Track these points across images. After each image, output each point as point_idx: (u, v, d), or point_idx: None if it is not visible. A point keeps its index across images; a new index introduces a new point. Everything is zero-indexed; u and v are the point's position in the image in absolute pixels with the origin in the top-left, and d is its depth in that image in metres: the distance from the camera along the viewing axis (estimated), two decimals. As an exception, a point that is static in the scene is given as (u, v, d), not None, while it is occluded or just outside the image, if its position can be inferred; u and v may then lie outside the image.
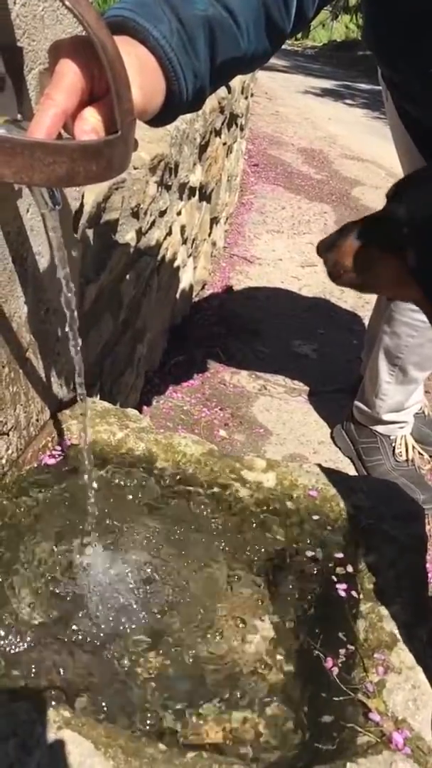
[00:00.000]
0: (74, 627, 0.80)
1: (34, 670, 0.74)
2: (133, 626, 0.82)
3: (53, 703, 0.63)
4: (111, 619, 0.83)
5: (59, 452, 0.99)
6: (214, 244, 2.94)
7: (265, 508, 0.96)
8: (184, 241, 2.18)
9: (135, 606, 0.85)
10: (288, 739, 0.71)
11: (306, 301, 2.89)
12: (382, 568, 0.85)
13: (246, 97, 3.44)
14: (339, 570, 0.87)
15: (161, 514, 0.97)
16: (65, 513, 0.93)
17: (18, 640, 0.77)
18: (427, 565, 0.88)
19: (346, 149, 5.58)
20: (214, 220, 2.80)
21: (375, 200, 4.15)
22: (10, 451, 0.89)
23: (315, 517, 0.94)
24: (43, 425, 0.98)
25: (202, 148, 2.20)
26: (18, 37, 0.70)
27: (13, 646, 0.76)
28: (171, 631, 0.82)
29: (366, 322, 2.50)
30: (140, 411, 1.19)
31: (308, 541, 0.93)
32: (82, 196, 1.05)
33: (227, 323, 2.58)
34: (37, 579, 0.85)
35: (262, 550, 0.93)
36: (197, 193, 2.28)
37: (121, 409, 1.09)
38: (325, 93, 8.39)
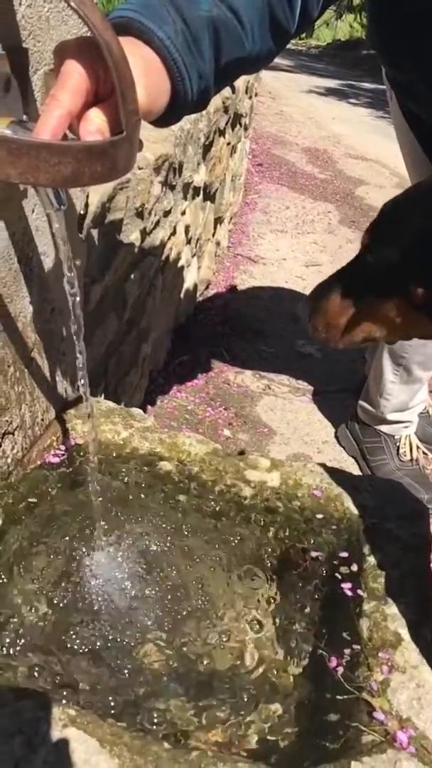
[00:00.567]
0: (79, 625, 0.81)
1: (39, 668, 0.75)
2: (138, 625, 0.82)
3: (58, 701, 0.63)
4: (116, 618, 0.83)
5: (64, 452, 0.99)
6: (218, 243, 2.94)
7: (269, 507, 0.96)
8: (189, 241, 2.18)
9: (140, 605, 0.85)
10: (292, 738, 0.72)
11: (310, 300, 2.88)
12: (386, 567, 0.85)
13: (250, 97, 3.44)
14: (343, 569, 0.87)
15: (165, 514, 0.97)
16: (70, 512, 0.93)
17: (23, 638, 0.77)
18: (432, 565, 0.88)
19: (350, 149, 5.58)
20: (218, 220, 2.80)
21: (379, 199, 4.14)
22: (15, 451, 0.89)
23: (319, 517, 0.94)
24: (48, 425, 0.99)
25: (206, 148, 2.20)
26: (23, 38, 0.70)
27: (19, 645, 0.77)
28: (176, 629, 0.83)
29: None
30: (144, 410, 1.20)
31: (312, 541, 0.93)
32: (87, 197, 1.05)
33: (231, 323, 2.58)
34: (42, 578, 0.85)
35: (267, 549, 0.93)
36: (201, 192, 2.28)
37: (125, 408, 1.10)
38: (329, 92, 8.39)
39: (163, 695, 0.75)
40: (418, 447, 1.98)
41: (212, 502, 0.98)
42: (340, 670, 0.74)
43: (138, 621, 0.83)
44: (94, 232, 1.16)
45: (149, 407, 1.97)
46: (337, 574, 0.87)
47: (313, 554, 0.91)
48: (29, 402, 0.90)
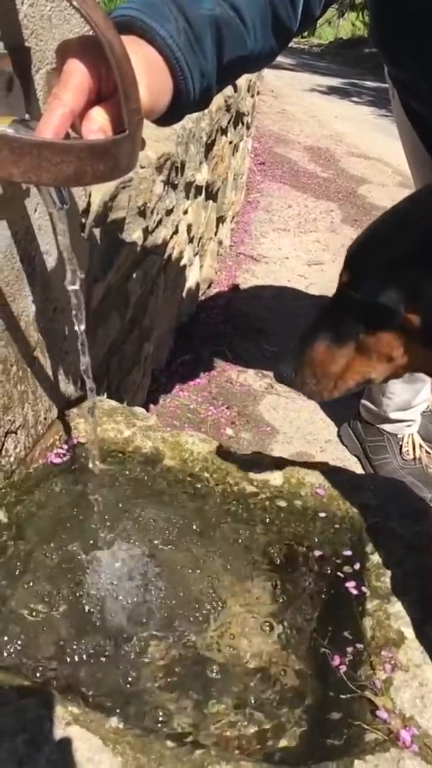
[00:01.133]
0: (82, 624, 0.81)
1: (41, 666, 0.75)
2: (141, 624, 0.82)
3: (61, 699, 0.64)
4: (118, 616, 0.83)
5: (66, 451, 0.99)
6: (220, 242, 2.94)
7: (272, 506, 0.96)
8: (191, 240, 2.18)
9: (142, 603, 0.85)
10: (295, 737, 0.71)
11: (313, 299, 2.89)
12: (389, 566, 0.85)
13: (252, 96, 3.44)
14: (346, 568, 0.87)
15: (168, 513, 0.97)
16: (72, 511, 0.94)
17: (26, 637, 0.77)
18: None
19: (352, 147, 5.57)
20: (220, 219, 2.80)
21: (382, 198, 4.14)
22: (18, 450, 0.89)
23: (322, 515, 0.94)
24: (50, 424, 0.99)
25: (209, 147, 2.20)
26: (26, 37, 0.70)
27: (21, 644, 0.77)
28: (178, 628, 0.83)
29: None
30: (147, 410, 1.20)
31: (315, 540, 0.93)
32: (89, 195, 1.05)
33: (234, 322, 2.58)
34: (45, 576, 0.85)
35: (270, 548, 0.93)
36: (203, 191, 2.28)
37: (128, 407, 1.10)
38: (332, 91, 8.38)
39: (165, 694, 0.75)
40: (420, 446, 1.98)
41: (215, 501, 0.98)
42: (343, 668, 0.74)
43: (141, 620, 0.83)
44: (97, 231, 1.16)
45: (152, 406, 1.97)
46: (340, 573, 0.87)
47: (316, 553, 0.91)
48: (32, 401, 0.91)
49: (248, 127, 3.49)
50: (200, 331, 2.47)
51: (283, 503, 0.96)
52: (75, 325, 0.77)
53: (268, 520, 0.96)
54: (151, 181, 1.44)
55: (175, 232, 1.89)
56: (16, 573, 0.84)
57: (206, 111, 1.98)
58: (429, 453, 2.02)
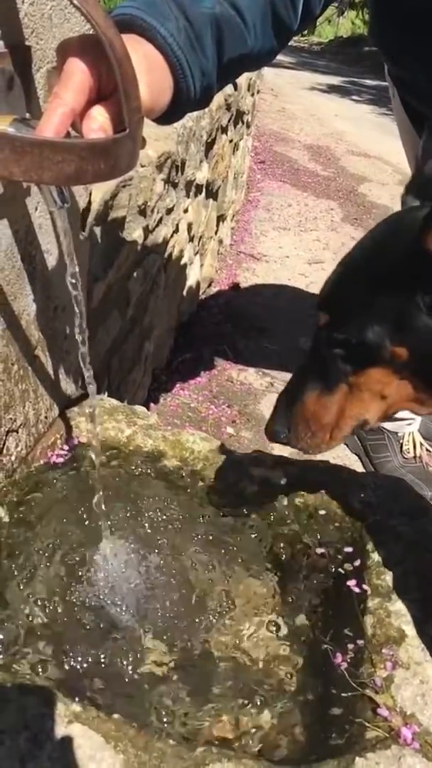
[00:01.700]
0: (84, 622, 0.81)
1: (43, 665, 0.75)
2: (143, 621, 0.83)
3: (63, 697, 0.64)
4: (120, 614, 0.83)
5: (68, 449, 0.99)
6: (220, 241, 2.94)
7: (273, 504, 0.96)
8: (191, 239, 2.18)
9: (144, 601, 0.85)
10: (297, 734, 0.72)
11: (313, 297, 2.88)
12: (390, 564, 0.85)
13: (252, 94, 3.44)
14: (347, 566, 0.87)
15: (169, 511, 0.97)
16: (74, 510, 0.94)
17: (27, 635, 0.78)
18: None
19: (352, 146, 5.57)
20: (220, 218, 2.80)
21: (382, 197, 4.14)
22: (19, 448, 0.89)
23: (323, 513, 0.94)
24: (51, 422, 0.99)
25: (209, 146, 2.20)
26: (26, 36, 0.70)
27: (23, 642, 0.77)
28: (180, 626, 0.83)
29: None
30: (147, 408, 1.20)
31: (317, 537, 0.93)
32: (90, 194, 1.05)
33: (234, 320, 2.58)
34: (47, 574, 0.85)
35: (271, 546, 0.94)
36: (204, 190, 2.28)
37: (129, 406, 1.10)
38: (332, 89, 8.37)
39: (167, 691, 0.75)
40: (421, 444, 1.98)
41: (216, 500, 0.98)
42: (344, 666, 0.74)
43: (142, 617, 0.83)
44: (97, 230, 1.16)
45: (152, 405, 1.97)
46: (340, 570, 0.87)
47: (317, 551, 0.91)
48: (33, 400, 0.91)
49: (248, 126, 3.49)
50: (201, 329, 2.47)
51: (284, 501, 0.96)
52: (75, 324, 0.77)
53: (269, 518, 0.96)
54: (151, 179, 1.44)
55: (176, 230, 1.89)
56: (18, 571, 0.84)
57: (206, 109, 1.98)
58: (429, 451, 2.02)
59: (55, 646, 0.77)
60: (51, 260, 0.89)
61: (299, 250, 3.37)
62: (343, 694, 0.71)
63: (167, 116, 0.74)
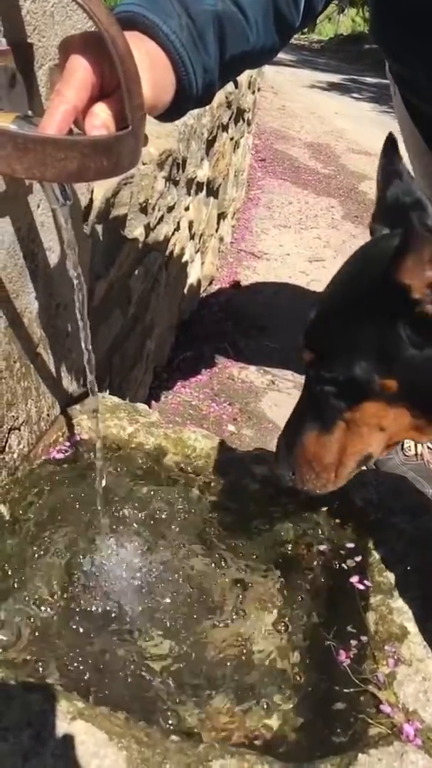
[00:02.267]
0: (86, 619, 0.81)
1: (45, 662, 0.75)
2: (145, 619, 0.83)
3: (66, 694, 0.64)
4: (123, 611, 0.83)
5: (70, 447, 1.00)
6: (221, 239, 2.93)
7: (275, 501, 0.96)
8: (192, 237, 2.18)
9: (146, 598, 0.85)
10: (299, 731, 0.72)
11: (314, 295, 2.88)
12: (391, 561, 0.86)
13: (253, 92, 3.44)
14: (349, 563, 0.87)
15: (171, 508, 0.97)
16: (76, 507, 0.94)
17: (30, 632, 0.78)
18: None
19: (353, 143, 5.56)
20: (221, 216, 2.80)
21: (382, 195, 4.12)
22: (21, 446, 0.89)
23: (324, 510, 0.94)
24: (53, 420, 0.99)
25: (210, 143, 2.20)
26: (28, 34, 0.70)
27: (26, 639, 0.77)
28: (183, 623, 0.83)
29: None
30: (149, 406, 1.20)
31: (319, 534, 0.93)
32: (92, 192, 1.05)
33: (235, 318, 2.57)
34: (49, 572, 0.85)
35: (273, 543, 0.94)
36: (205, 188, 2.27)
37: (130, 403, 1.10)
38: (332, 87, 8.35)
39: (170, 688, 0.75)
40: (422, 442, 1.98)
41: (218, 497, 0.98)
42: (347, 662, 0.75)
43: (145, 614, 0.83)
44: (99, 228, 1.16)
45: (153, 403, 1.97)
46: (343, 566, 0.87)
47: (320, 548, 0.91)
48: (35, 397, 0.91)
49: (249, 124, 3.49)
50: (201, 328, 2.47)
51: (286, 499, 0.96)
52: (78, 322, 0.77)
53: (270, 515, 0.96)
54: (152, 177, 1.44)
55: (177, 228, 1.89)
56: (20, 569, 0.84)
57: (207, 107, 1.98)
58: (430, 449, 2.01)
59: (57, 644, 0.77)
60: (53, 258, 0.89)
61: (300, 248, 3.37)
62: (345, 690, 0.72)
63: (169, 113, 0.74)
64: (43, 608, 0.81)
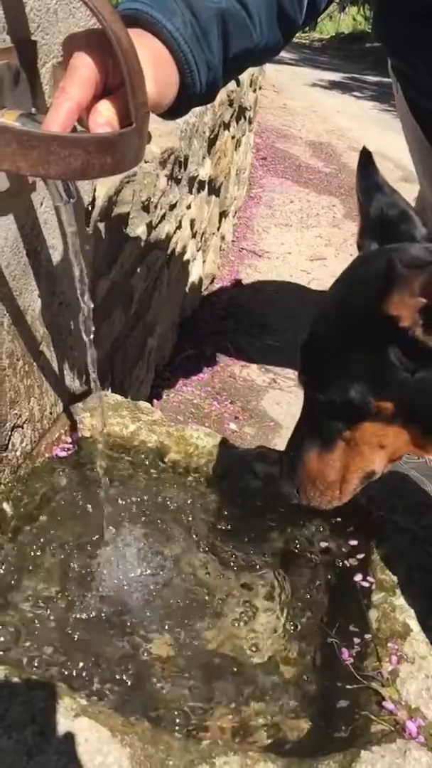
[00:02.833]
0: (89, 617, 0.81)
1: (49, 660, 0.75)
2: (148, 616, 0.83)
3: (70, 691, 0.64)
4: (125, 609, 0.83)
5: (72, 445, 1.00)
6: (222, 238, 2.93)
7: (277, 498, 0.96)
8: (194, 235, 2.18)
9: (148, 596, 0.86)
10: (302, 727, 0.72)
11: (315, 294, 2.88)
12: (394, 558, 0.86)
13: (254, 90, 3.43)
14: (351, 560, 0.88)
15: (173, 506, 0.97)
16: (78, 505, 0.94)
17: (33, 630, 0.78)
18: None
19: (354, 142, 5.55)
20: (222, 214, 2.80)
21: (384, 193, 4.12)
22: (24, 444, 0.89)
23: (327, 508, 0.94)
24: (56, 418, 0.99)
25: (211, 142, 2.20)
26: (32, 31, 0.70)
27: (29, 637, 0.77)
28: (185, 621, 0.83)
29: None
30: (150, 404, 1.20)
31: (321, 532, 0.93)
32: (94, 190, 1.05)
33: (236, 317, 2.58)
34: (51, 570, 0.85)
35: (275, 540, 0.94)
36: (206, 186, 2.27)
37: (133, 401, 1.10)
38: (333, 86, 8.34)
39: (173, 686, 0.75)
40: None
41: (220, 494, 0.98)
42: (350, 660, 0.75)
43: (147, 612, 0.84)
44: (101, 226, 1.16)
45: (155, 401, 1.97)
46: (345, 564, 0.88)
47: (322, 545, 0.91)
48: (38, 395, 0.91)
49: (250, 122, 3.49)
50: (203, 326, 2.47)
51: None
52: (81, 319, 0.77)
53: (273, 513, 0.96)
54: (154, 175, 1.44)
55: (179, 227, 1.89)
56: (23, 567, 0.84)
57: (209, 105, 1.98)
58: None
59: (60, 641, 0.77)
60: (56, 256, 0.89)
61: (301, 246, 3.37)
62: (348, 688, 0.72)
63: (173, 111, 0.74)
64: (45, 606, 0.81)
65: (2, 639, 0.75)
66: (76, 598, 0.83)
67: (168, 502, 0.98)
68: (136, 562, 0.90)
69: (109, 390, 1.18)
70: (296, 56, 10.33)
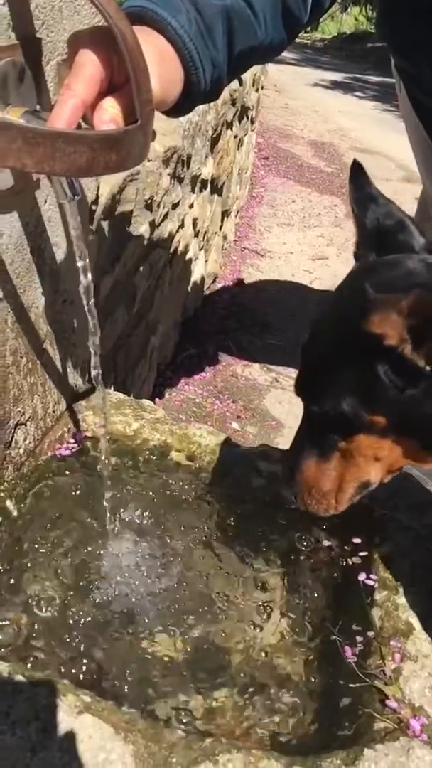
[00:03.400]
0: (92, 615, 0.81)
1: (52, 657, 0.75)
2: (150, 614, 0.83)
3: (73, 688, 0.64)
4: (128, 607, 0.83)
5: (75, 443, 1.00)
6: (225, 237, 2.93)
7: (279, 497, 0.96)
8: (196, 234, 2.18)
9: (151, 594, 0.86)
10: (306, 725, 0.72)
11: (317, 293, 2.88)
12: (396, 557, 0.86)
13: (257, 90, 3.44)
14: (354, 559, 0.88)
15: (176, 504, 0.97)
16: (81, 503, 0.94)
17: (36, 627, 0.78)
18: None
19: (356, 142, 5.56)
20: (225, 214, 2.80)
21: (385, 192, 4.09)
22: (27, 441, 0.89)
23: (330, 507, 0.94)
24: (59, 416, 0.99)
25: (214, 141, 2.20)
26: (37, 28, 0.70)
27: (33, 634, 0.77)
28: (188, 618, 0.83)
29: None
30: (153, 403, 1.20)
31: (324, 530, 0.93)
32: (98, 188, 1.05)
33: (238, 316, 2.58)
34: (55, 567, 0.85)
35: (278, 538, 0.94)
36: (209, 185, 2.27)
37: (135, 400, 1.10)
38: (335, 85, 8.34)
39: (177, 683, 0.75)
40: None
41: (223, 492, 0.98)
42: (353, 658, 0.75)
43: (150, 610, 0.84)
44: (105, 224, 1.16)
45: (157, 400, 1.97)
46: (348, 562, 0.88)
47: (325, 543, 0.91)
48: (41, 393, 0.91)
49: (252, 122, 3.49)
50: (205, 325, 2.47)
51: (291, 494, 0.96)
52: (86, 317, 0.77)
53: (275, 511, 0.96)
54: (157, 174, 1.44)
55: (181, 226, 1.89)
56: (26, 564, 0.84)
57: (212, 104, 1.98)
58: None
59: (63, 639, 0.77)
60: (60, 253, 0.89)
61: (303, 246, 3.37)
62: (351, 686, 0.72)
63: (178, 109, 0.74)
64: (48, 604, 0.81)
65: (6, 637, 0.75)
66: (79, 596, 0.83)
67: (171, 500, 0.98)
68: (139, 559, 0.90)
69: (112, 388, 1.18)
70: (298, 56, 10.33)
